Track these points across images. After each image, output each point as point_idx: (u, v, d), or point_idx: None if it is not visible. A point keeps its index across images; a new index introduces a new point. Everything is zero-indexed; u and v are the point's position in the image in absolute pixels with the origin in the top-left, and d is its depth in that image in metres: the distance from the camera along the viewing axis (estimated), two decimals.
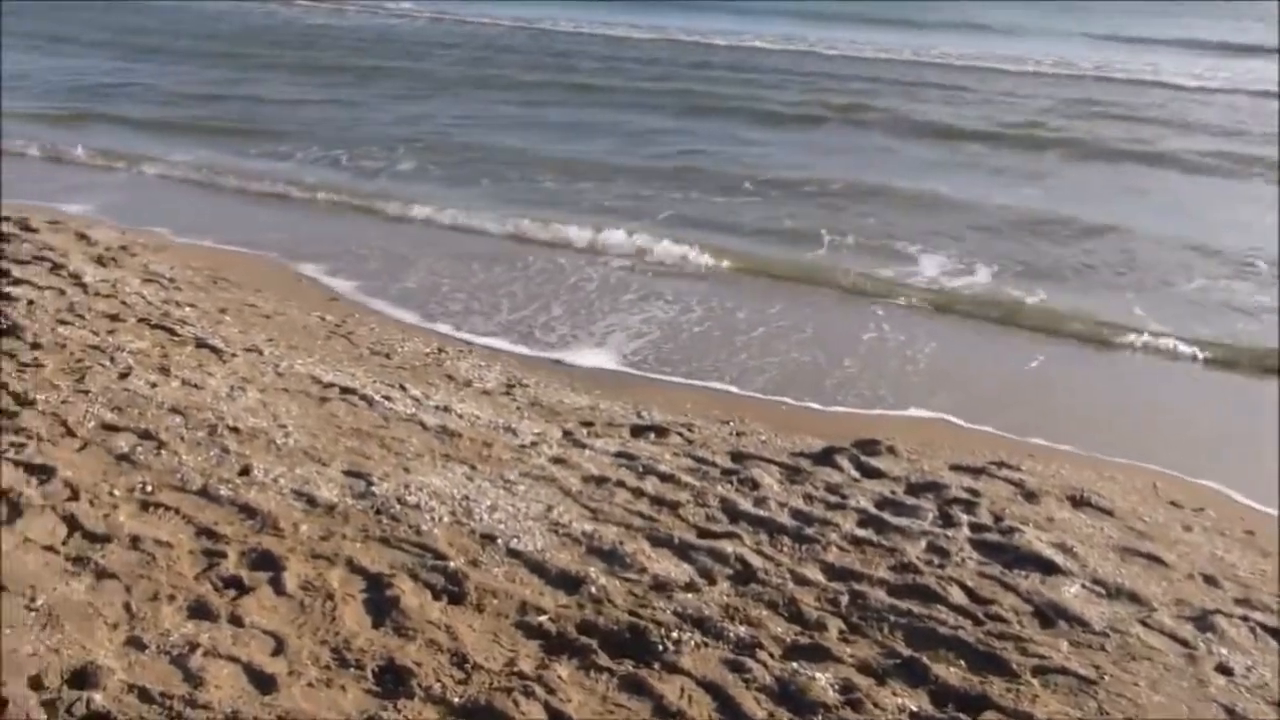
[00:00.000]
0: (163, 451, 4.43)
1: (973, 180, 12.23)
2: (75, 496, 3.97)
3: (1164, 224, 10.39)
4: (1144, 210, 11.13)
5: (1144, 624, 3.88)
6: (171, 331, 5.95)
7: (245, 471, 4.34)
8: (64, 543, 3.70)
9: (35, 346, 5.45)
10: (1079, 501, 4.88)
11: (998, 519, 4.58)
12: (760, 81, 19.90)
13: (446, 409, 5.32)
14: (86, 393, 4.94)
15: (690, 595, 3.81)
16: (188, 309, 6.46)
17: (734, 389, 6.35)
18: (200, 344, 5.82)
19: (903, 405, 6.24)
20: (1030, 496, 4.87)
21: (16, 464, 4.16)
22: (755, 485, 4.76)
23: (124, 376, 5.19)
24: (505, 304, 7.65)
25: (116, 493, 4.05)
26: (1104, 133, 15.55)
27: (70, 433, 4.52)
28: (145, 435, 4.57)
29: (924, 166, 12.89)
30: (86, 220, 8.47)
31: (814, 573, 4.04)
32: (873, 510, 4.59)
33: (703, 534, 4.30)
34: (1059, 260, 9.28)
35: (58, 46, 21.26)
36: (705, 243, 9.12)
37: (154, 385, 5.12)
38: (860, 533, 4.38)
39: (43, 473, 4.12)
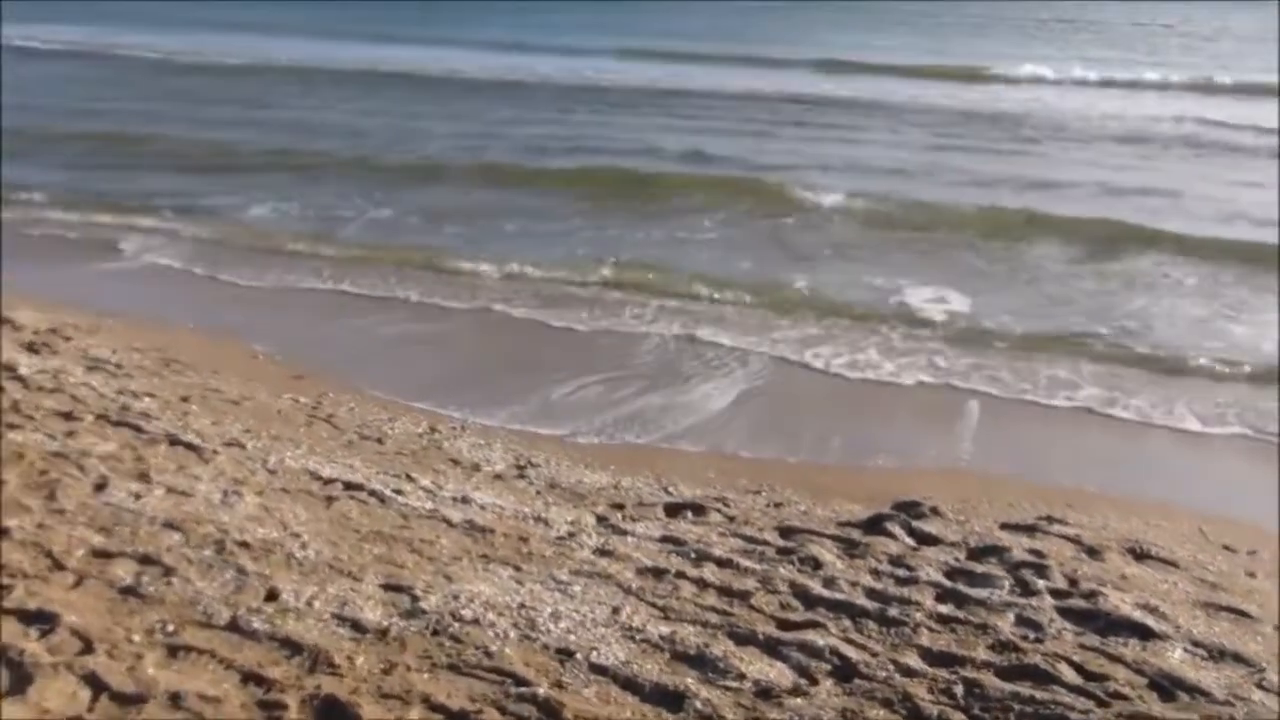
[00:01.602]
0: (172, 579, 3.90)
1: None
2: (89, 648, 3.44)
3: None
4: None
5: (1261, 688, 3.73)
6: (137, 429, 5.36)
7: (272, 596, 3.85)
8: (90, 710, 3.17)
9: None
10: (1140, 555, 4.76)
11: (1073, 582, 4.40)
12: None
13: (465, 500, 4.90)
14: (63, 512, 4.36)
15: (800, 700, 3.50)
16: (147, 400, 5.85)
17: (744, 453, 6.07)
18: (174, 441, 5.25)
19: (920, 455, 6.08)
20: (1093, 553, 4.72)
21: (8, 612, 3.59)
22: (817, 564, 4.49)
23: (100, 488, 4.62)
24: (466, 367, 7.23)
25: (136, 638, 3.52)
26: None
27: (58, 565, 3.95)
28: (146, 560, 4.03)
29: None
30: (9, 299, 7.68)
31: (915, 660, 3.78)
32: (946, 582, 4.36)
33: (784, 625, 4.00)
34: None
35: None
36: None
37: (137, 496, 4.56)
38: (943, 609, 4.14)
39: (42, 620, 3.57)
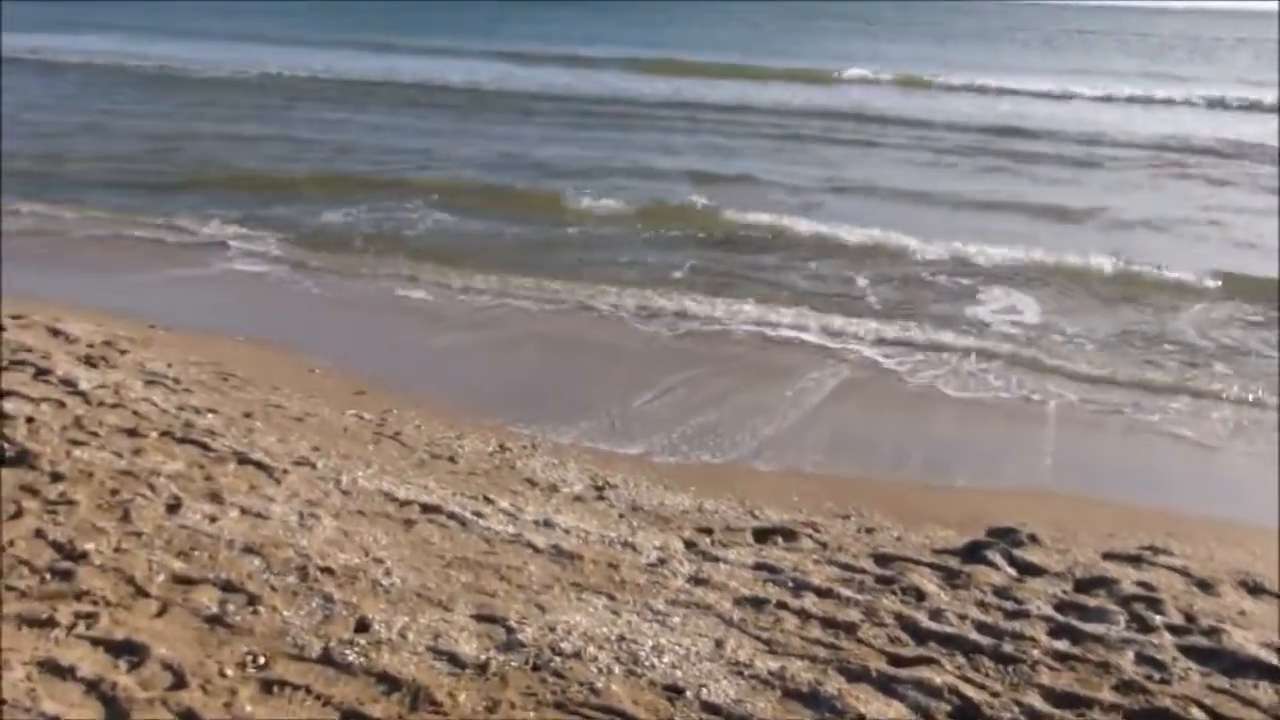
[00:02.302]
0: (258, 608, 3.74)
1: None
2: (182, 682, 3.28)
3: None
4: None
5: None
6: (204, 446, 5.21)
7: (363, 627, 3.68)
8: None
9: (56, 477, 4.67)
10: (1254, 588, 4.55)
11: (1190, 618, 4.20)
12: None
13: (549, 524, 4.72)
14: (138, 535, 4.21)
15: None
16: (210, 416, 5.71)
17: (824, 471, 5.89)
18: (242, 460, 5.10)
19: (1005, 475, 5.90)
20: (1205, 586, 4.51)
21: (95, 642, 3.43)
22: (920, 595, 4.29)
23: (173, 510, 4.46)
24: (537, 379, 7.07)
25: (229, 672, 3.36)
26: None
27: (141, 591, 3.80)
28: (229, 587, 3.88)
29: None
30: (53, 310, 7.57)
31: (1038, 701, 3.59)
32: (1058, 617, 4.16)
33: (895, 661, 3.80)
34: None
35: None
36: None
37: (213, 519, 4.40)
38: (1059, 645, 3.95)
39: (131, 652, 3.41)
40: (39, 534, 4.14)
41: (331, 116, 20.25)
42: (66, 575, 3.83)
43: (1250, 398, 7.26)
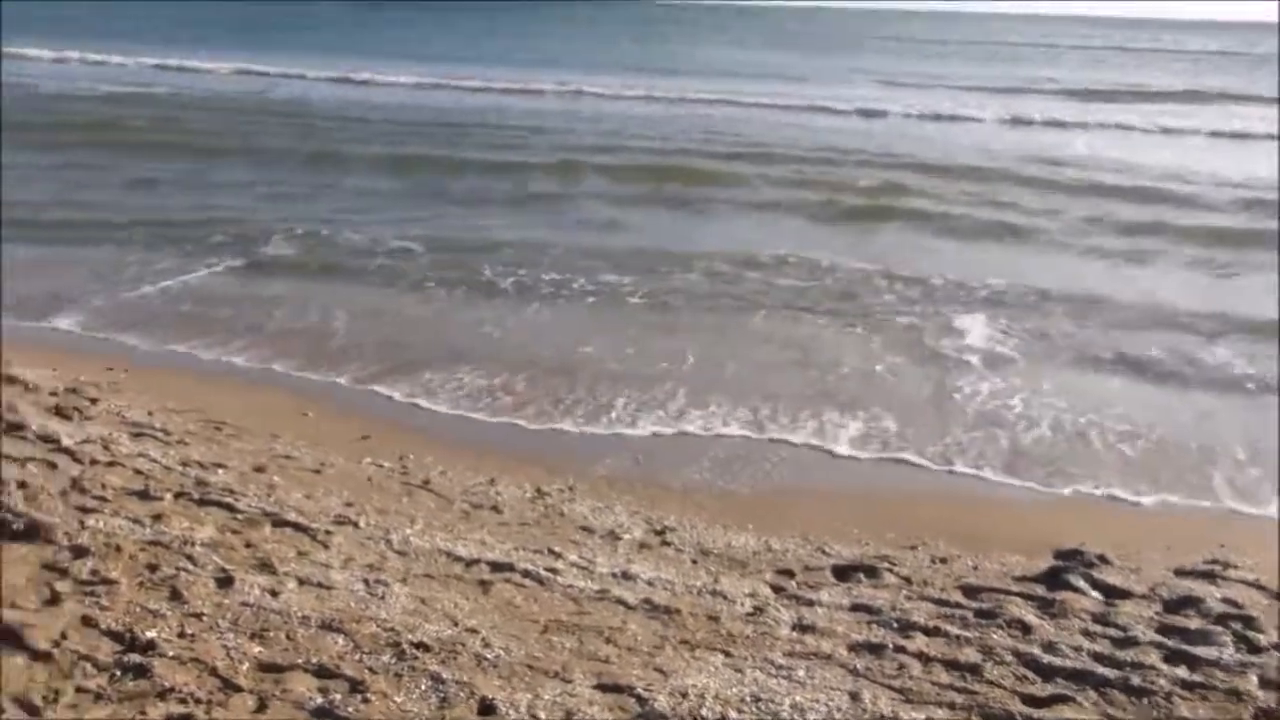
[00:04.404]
0: (367, 695, 3.39)
1: None
2: None
3: None
4: None
5: None
6: (229, 508, 4.77)
7: (488, 709, 3.39)
8: None
9: (79, 552, 4.19)
10: None
11: None
12: None
13: (628, 576, 4.48)
14: (199, 616, 3.79)
15: None
16: (220, 472, 5.24)
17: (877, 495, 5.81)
18: (277, 522, 4.68)
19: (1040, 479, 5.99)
20: None
21: None
22: (1025, 627, 4.22)
23: (225, 584, 4.04)
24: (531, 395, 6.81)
25: None
26: None
27: (229, 684, 3.40)
28: (324, 672, 3.51)
29: None
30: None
31: None
32: (1166, 642, 4.15)
33: (1031, 701, 3.71)
34: None
35: None
36: None
37: (273, 593, 4.01)
38: (1180, 673, 3.92)
39: None
40: (88, 621, 3.68)
41: None
42: (141, 671, 3.40)
43: None
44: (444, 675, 3.54)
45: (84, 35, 41.17)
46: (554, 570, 4.44)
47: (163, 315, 8.55)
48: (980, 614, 4.32)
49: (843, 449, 6.45)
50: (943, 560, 4.93)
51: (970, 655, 3.96)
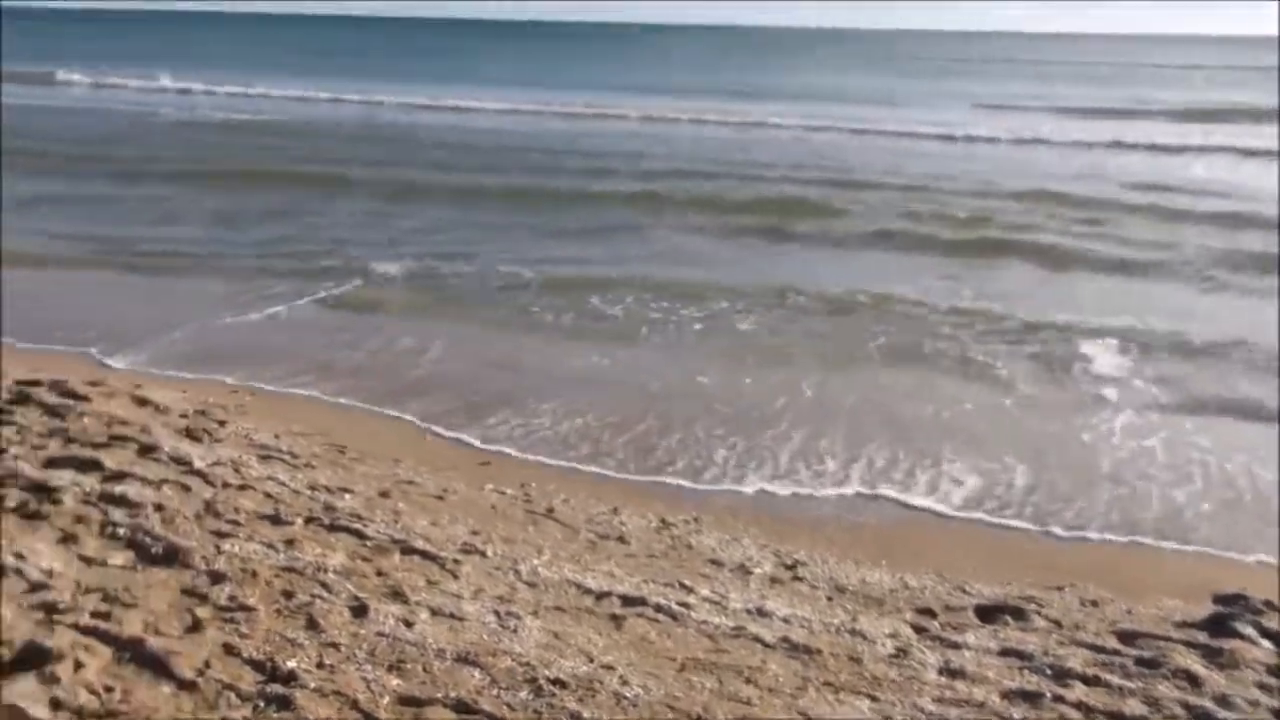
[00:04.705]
0: None
1: None
2: None
3: None
4: None
5: None
6: (359, 534, 4.77)
7: None
8: None
9: (216, 577, 4.21)
10: None
11: None
12: None
13: (763, 612, 4.33)
14: (336, 646, 3.76)
15: None
16: (347, 497, 5.26)
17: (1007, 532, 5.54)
18: (405, 549, 4.66)
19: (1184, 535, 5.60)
20: None
21: None
22: (1193, 679, 3.95)
23: (360, 613, 4.01)
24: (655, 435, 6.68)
25: None
26: None
27: (369, 717, 3.35)
28: (463, 707, 3.44)
29: None
30: (131, 376, 7.08)
31: None
32: None
33: None
34: None
35: None
36: None
37: (407, 623, 3.96)
38: None
39: None
40: (229, 650, 3.68)
41: None
42: (284, 702, 3.38)
43: None
44: (583, 714, 3.45)
45: (164, 64, 42.64)
46: (686, 605, 4.32)
47: (276, 341, 8.70)
48: (1141, 662, 4.06)
49: (967, 513, 5.96)
50: (1093, 603, 4.67)
51: (1135, 708, 3.72)
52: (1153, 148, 24.71)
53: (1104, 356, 8.70)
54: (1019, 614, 4.49)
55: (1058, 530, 5.66)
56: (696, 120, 28.97)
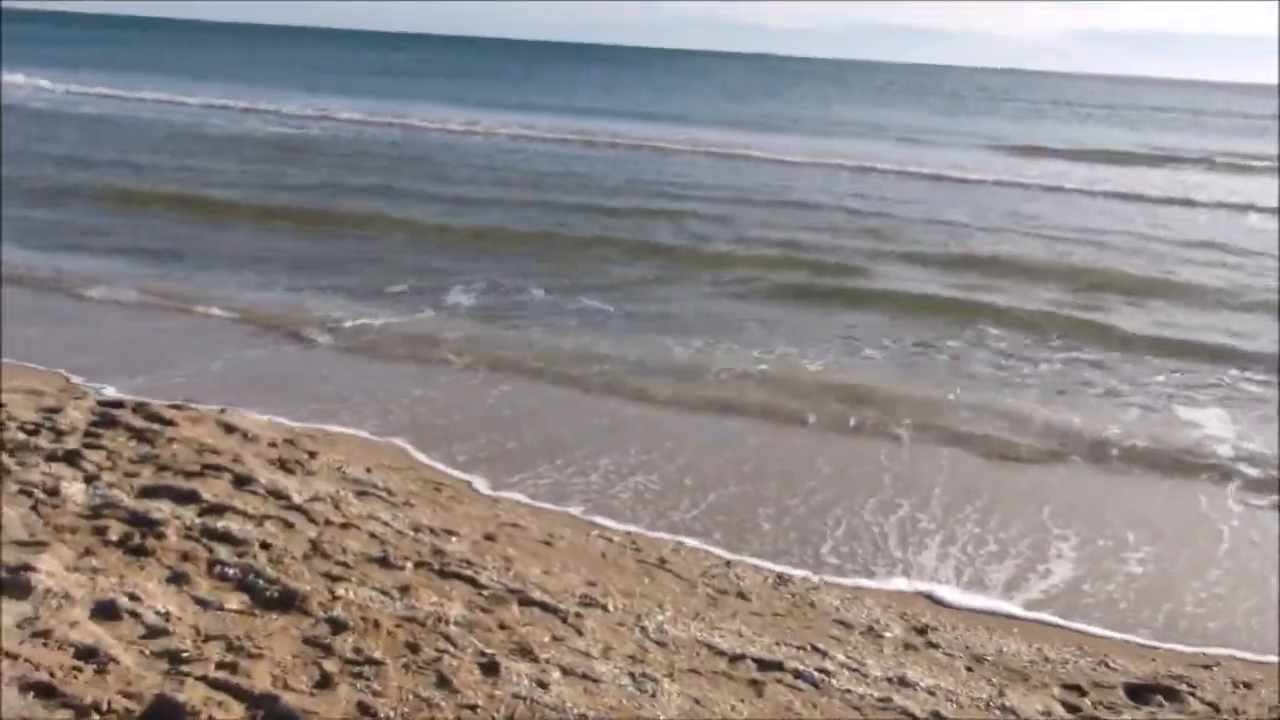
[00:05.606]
0: None
1: None
2: None
3: None
4: None
5: None
6: (473, 582, 4.60)
7: None
8: None
9: (337, 626, 4.03)
10: None
11: None
12: None
13: (904, 682, 4.12)
14: (474, 709, 3.58)
15: None
16: (453, 540, 5.09)
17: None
18: (524, 600, 4.48)
19: None
20: None
21: None
22: None
23: (490, 671, 3.83)
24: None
25: None
26: None
27: None
28: None
29: None
30: (216, 406, 6.95)
31: None
32: None
33: None
34: None
35: None
36: None
37: (541, 684, 3.78)
38: None
39: None
40: (365, 710, 3.50)
41: None
42: None
43: None
44: None
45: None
46: (825, 671, 4.12)
47: (352, 365, 8.55)
48: None
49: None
50: (1245, 685, 4.44)
51: None
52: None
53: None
54: (1172, 694, 4.27)
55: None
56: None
